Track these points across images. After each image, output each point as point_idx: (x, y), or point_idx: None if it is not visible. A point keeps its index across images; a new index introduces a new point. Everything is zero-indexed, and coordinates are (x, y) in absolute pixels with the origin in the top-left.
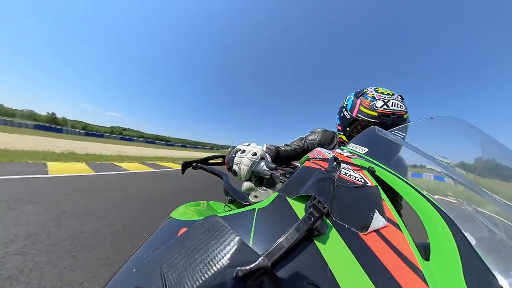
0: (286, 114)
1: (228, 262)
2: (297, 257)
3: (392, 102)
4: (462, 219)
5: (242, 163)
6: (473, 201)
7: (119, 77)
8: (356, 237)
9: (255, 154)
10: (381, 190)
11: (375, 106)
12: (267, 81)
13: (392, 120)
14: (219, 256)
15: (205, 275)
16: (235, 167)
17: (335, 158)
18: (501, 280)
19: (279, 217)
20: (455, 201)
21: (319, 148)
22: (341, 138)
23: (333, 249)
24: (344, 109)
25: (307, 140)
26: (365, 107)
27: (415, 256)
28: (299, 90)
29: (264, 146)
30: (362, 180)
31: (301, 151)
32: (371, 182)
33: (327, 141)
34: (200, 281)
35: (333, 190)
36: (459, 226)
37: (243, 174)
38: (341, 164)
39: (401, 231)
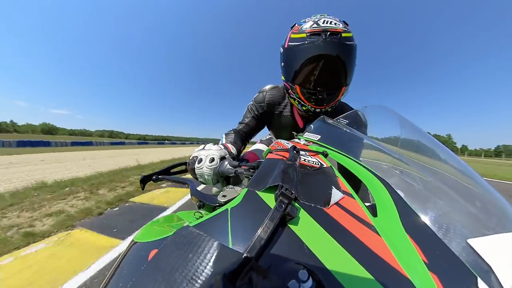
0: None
1: (212, 270)
2: (276, 244)
3: (324, 20)
4: (392, 180)
5: (204, 174)
6: (399, 165)
7: (62, 66)
8: (322, 213)
9: (213, 160)
10: (335, 169)
11: (304, 28)
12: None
13: (324, 37)
14: (201, 267)
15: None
16: (200, 179)
17: (294, 147)
18: (423, 217)
19: (252, 211)
20: (386, 166)
21: (279, 140)
22: (288, 85)
23: (305, 228)
24: (281, 47)
25: (256, 106)
26: (294, 33)
27: (367, 216)
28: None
29: (223, 139)
30: (319, 163)
31: (255, 123)
32: (326, 163)
33: (276, 98)
34: None
35: (297, 176)
36: (392, 186)
37: (209, 181)
38: (300, 151)
39: (354, 198)
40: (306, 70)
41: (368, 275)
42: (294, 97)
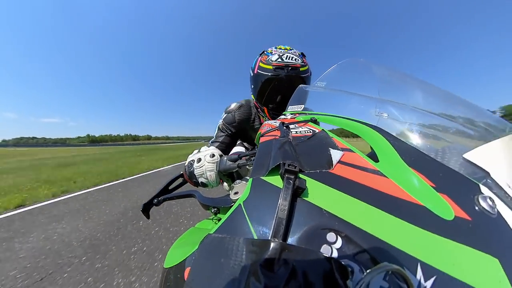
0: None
1: (247, 265)
2: (296, 219)
3: (287, 56)
4: (383, 124)
5: (206, 170)
6: (384, 109)
7: (48, 75)
8: (328, 175)
9: (213, 155)
10: (327, 131)
11: (271, 60)
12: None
13: (286, 71)
14: (236, 267)
15: None
16: (201, 179)
17: (283, 123)
18: (420, 148)
19: (264, 198)
20: (373, 113)
21: (267, 122)
22: (257, 104)
23: (318, 194)
24: (251, 69)
25: (227, 126)
26: (263, 62)
27: (370, 163)
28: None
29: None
30: (311, 131)
31: (230, 140)
32: (317, 129)
33: (246, 115)
34: None
35: (294, 150)
36: (384, 129)
37: (212, 180)
38: (289, 126)
39: (354, 152)
40: (271, 95)
41: (387, 215)
42: (263, 115)
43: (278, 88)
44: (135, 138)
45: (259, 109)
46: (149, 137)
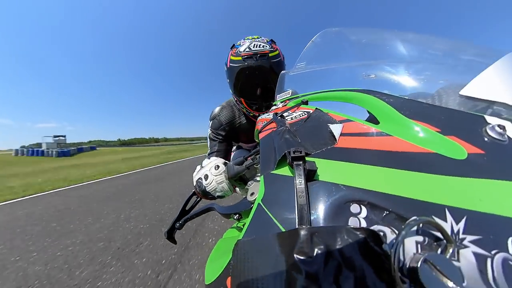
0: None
1: (284, 259)
2: (316, 200)
3: (255, 44)
4: (373, 86)
5: (217, 184)
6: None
7: (43, 81)
8: (335, 150)
9: (217, 166)
10: (321, 108)
11: (239, 51)
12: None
13: (256, 60)
14: (273, 264)
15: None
16: (217, 194)
17: (276, 114)
18: (415, 98)
19: (280, 191)
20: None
21: (260, 117)
22: (235, 97)
23: (330, 171)
24: (224, 65)
25: (217, 132)
26: (233, 55)
27: (372, 127)
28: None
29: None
30: (305, 113)
31: (225, 145)
32: (311, 109)
33: (230, 115)
34: None
35: (295, 136)
36: (375, 91)
37: (226, 190)
38: (283, 114)
39: (353, 120)
40: (246, 85)
41: (402, 171)
42: (242, 106)
43: (251, 77)
44: (156, 140)
45: (237, 102)
46: (166, 139)
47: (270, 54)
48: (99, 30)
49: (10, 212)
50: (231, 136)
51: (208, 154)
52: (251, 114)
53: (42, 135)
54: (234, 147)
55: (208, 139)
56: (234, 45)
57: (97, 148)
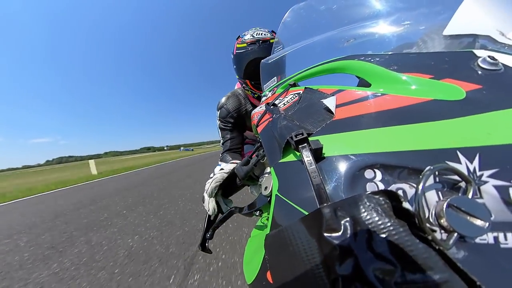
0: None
1: (315, 240)
2: (331, 175)
3: (257, 33)
4: (357, 49)
5: (208, 206)
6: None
7: (34, 96)
8: (334, 123)
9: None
10: (310, 86)
11: (244, 39)
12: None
13: (259, 45)
14: (306, 248)
15: (315, 270)
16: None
17: (268, 104)
18: (400, 51)
19: (293, 177)
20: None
21: (253, 111)
22: (241, 81)
23: (336, 144)
24: (231, 54)
25: (226, 120)
26: (238, 43)
27: (363, 90)
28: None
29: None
30: (295, 95)
31: (237, 132)
32: (300, 90)
33: (237, 103)
34: (315, 275)
35: (292, 119)
36: (358, 54)
37: (239, 183)
38: (275, 103)
39: (344, 90)
40: (250, 69)
41: (406, 126)
42: (247, 88)
43: (255, 60)
44: (149, 148)
45: (243, 85)
46: (162, 148)
47: (271, 40)
48: (91, 40)
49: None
50: (239, 123)
51: (222, 144)
52: (256, 95)
53: (36, 151)
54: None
55: (219, 130)
56: (239, 36)
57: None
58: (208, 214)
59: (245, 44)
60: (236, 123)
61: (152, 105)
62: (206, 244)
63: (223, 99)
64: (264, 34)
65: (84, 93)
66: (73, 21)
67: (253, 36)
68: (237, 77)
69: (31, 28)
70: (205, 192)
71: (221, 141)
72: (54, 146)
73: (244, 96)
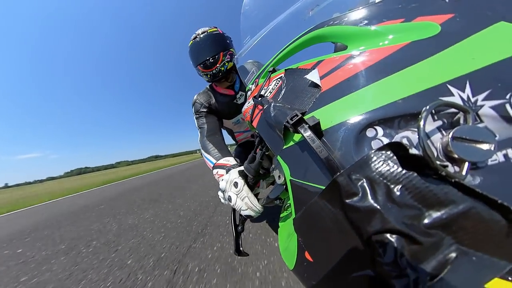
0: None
1: (339, 209)
2: (335, 145)
3: (200, 29)
4: (323, 16)
5: (242, 202)
6: (313, 5)
7: (18, 107)
8: (322, 94)
9: (236, 184)
10: (289, 66)
11: (191, 38)
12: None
13: (200, 36)
14: (333, 219)
15: (348, 237)
16: (244, 212)
17: (255, 97)
18: (361, 4)
19: (301, 158)
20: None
21: (243, 109)
22: (196, 70)
23: (332, 114)
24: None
25: (201, 111)
26: (190, 42)
27: (343, 54)
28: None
29: (211, 157)
30: (278, 80)
31: (213, 116)
32: (281, 73)
33: (207, 96)
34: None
35: (283, 104)
36: (326, 20)
37: (251, 205)
38: (261, 94)
39: (323, 59)
40: (197, 55)
41: (393, 76)
42: (201, 74)
43: (198, 47)
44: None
45: (199, 73)
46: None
47: (209, 30)
48: (78, 51)
49: None
50: (212, 112)
51: (200, 129)
52: (209, 76)
53: (24, 167)
54: (236, 149)
55: (195, 121)
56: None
57: None
58: (234, 224)
59: (191, 41)
60: (209, 112)
61: (152, 114)
62: (241, 248)
63: (195, 96)
64: (203, 29)
65: (75, 105)
66: (59, 22)
67: (196, 33)
68: (196, 70)
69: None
70: (241, 189)
71: (198, 129)
72: (44, 160)
73: (212, 90)
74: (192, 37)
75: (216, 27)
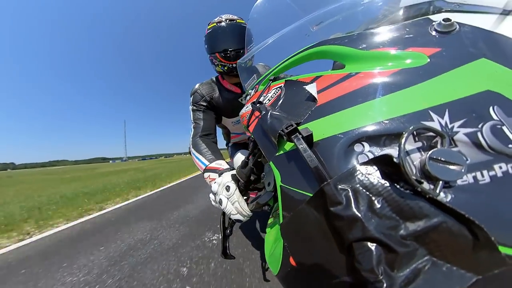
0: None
1: (323, 217)
2: (326, 156)
3: (225, 15)
4: (325, 34)
5: (232, 206)
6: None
7: None
8: (318, 108)
9: (228, 187)
10: (290, 77)
11: (213, 21)
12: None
13: (226, 23)
14: (318, 227)
15: (331, 243)
16: (233, 217)
17: (254, 103)
18: (359, 29)
19: (292, 166)
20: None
21: (240, 113)
22: (211, 57)
23: (324, 127)
24: (204, 37)
25: (199, 104)
26: (209, 24)
27: (340, 73)
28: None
29: (202, 159)
30: (278, 89)
31: (209, 114)
32: (281, 83)
33: (210, 89)
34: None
35: (279, 113)
36: (328, 39)
37: (241, 210)
38: (260, 100)
39: (322, 75)
40: (219, 41)
41: (382, 98)
42: (217, 63)
43: (223, 34)
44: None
45: (214, 61)
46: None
47: (237, 21)
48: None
49: None
50: (212, 108)
51: (194, 125)
52: (226, 68)
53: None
54: (229, 148)
55: (191, 112)
56: (210, 21)
57: None
58: (223, 227)
59: (214, 24)
60: (209, 107)
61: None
62: (228, 251)
63: (197, 85)
64: (231, 16)
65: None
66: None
67: (221, 17)
68: (209, 58)
69: None
70: (233, 193)
71: (192, 124)
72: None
73: (217, 83)
74: (216, 20)
75: (242, 19)
